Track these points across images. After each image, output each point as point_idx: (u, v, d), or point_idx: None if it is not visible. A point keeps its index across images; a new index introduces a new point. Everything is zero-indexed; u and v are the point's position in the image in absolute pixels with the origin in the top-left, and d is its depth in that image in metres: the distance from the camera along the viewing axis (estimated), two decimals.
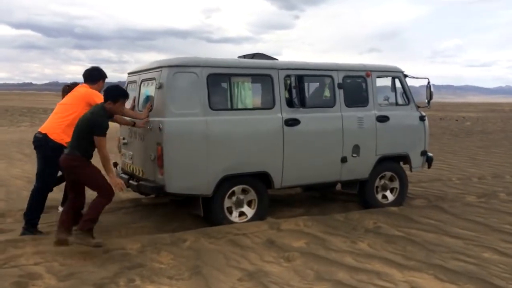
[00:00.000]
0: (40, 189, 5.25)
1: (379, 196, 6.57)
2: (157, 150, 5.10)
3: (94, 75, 5.58)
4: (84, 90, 5.44)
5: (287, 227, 5.57)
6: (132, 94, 6.05)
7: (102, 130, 4.64)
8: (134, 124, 5.38)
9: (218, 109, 5.34)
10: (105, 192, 4.72)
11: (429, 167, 7.02)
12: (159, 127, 5.07)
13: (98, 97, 5.31)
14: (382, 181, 6.59)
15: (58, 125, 5.21)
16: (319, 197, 7.38)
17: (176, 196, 5.61)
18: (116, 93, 4.88)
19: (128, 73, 6.38)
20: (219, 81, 5.60)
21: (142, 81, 5.79)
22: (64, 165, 4.74)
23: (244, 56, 6.45)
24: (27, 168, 9.84)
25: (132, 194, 6.81)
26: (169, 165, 5.06)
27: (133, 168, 5.84)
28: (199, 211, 5.41)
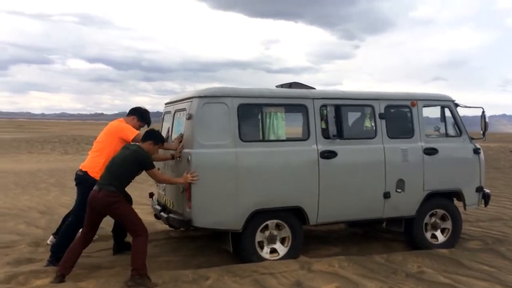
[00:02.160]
0: (73, 224, 5.45)
1: (428, 236, 6.22)
2: (185, 183, 5.22)
3: (134, 111, 5.91)
4: (116, 124, 5.70)
5: (320, 267, 5.36)
6: (167, 125, 6.29)
7: (151, 164, 5.01)
8: (173, 157, 5.48)
9: (249, 140, 5.33)
10: (141, 228, 4.85)
11: (486, 205, 6.59)
12: (187, 159, 5.13)
13: (131, 132, 5.55)
14: (433, 219, 6.26)
15: (97, 163, 5.44)
16: (361, 235, 7.09)
17: (204, 231, 5.66)
18: (159, 137, 5.22)
19: (165, 104, 6.61)
20: (251, 112, 5.57)
21: (175, 111, 5.94)
22: (100, 201, 4.81)
23: (282, 86, 6.50)
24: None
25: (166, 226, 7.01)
26: (196, 198, 5.06)
27: (165, 200, 5.94)
28: (229, 246, 5.36)
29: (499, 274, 5.26)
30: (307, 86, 6.16)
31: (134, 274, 4.68)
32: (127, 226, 4.98)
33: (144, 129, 5.62)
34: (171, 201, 5.67)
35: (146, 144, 5.12)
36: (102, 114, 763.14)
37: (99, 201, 4.84)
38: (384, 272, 5.31)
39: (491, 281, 5.05)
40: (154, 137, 5.18)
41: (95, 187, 4.91)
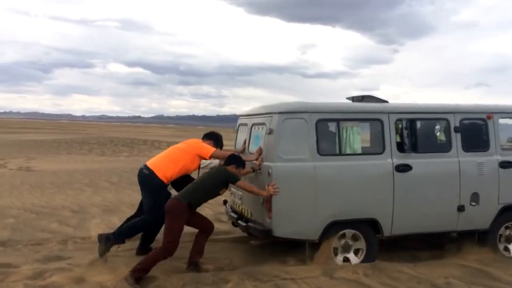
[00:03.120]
0: (147, 222, 5.98)
1: (501, 248, 6.34)
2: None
3: (210, 135, 6.44)
4: (197, 142, 6.19)
5: (343, 275, 5.43)
6: (242, 136, 6.72)
7: (237, 177, 5.53)
8: (253, 170, 5.85)
9: (326, 154, 5.64)
10: (169, 249, 5.25)
11: None
12: (268, 172, 5.51)
13: (208, 149, 6.02)
14: (507, 232, 6.38)
15: (169, 169, 5.91)
16: (388, 242, 6.84)
17: (283, 240, 6.05)
18: (241, 162, 5.68)
19: (240, 116, 7.04)
20: (328, 126, 5.86)
21: (253, 125, 6.35)
22: (170, 208, 5.32)
23: (353, 98, 6.76)
24: (109, 196, 11.01)
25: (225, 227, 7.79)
26: (277, 209, 5.44)
27: (241, 208, 6.35)
28: (305, 256, 5.76)
29: None
30: (380, 99, 6.41)
31: (133, 271, 5.07)
32: (166, 237, 5.31)
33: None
34: (248, 210, 6.08)
35: (229, 167, 5.60)
36: (139, 116, 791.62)
37: (170, 208, 5.33)
38: (409, 282, 5.34)
39: None
40: (236, 161, 5.65)
41: (174, 197, 5.43)
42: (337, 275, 5.41)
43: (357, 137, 5.83)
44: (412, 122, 5.97)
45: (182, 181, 6.03)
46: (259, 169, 5.73)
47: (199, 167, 6.29)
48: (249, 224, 5.92)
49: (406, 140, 5.91)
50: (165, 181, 5.91)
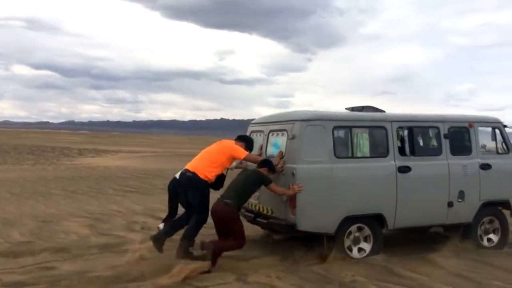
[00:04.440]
0: (203, 219, 6.68)
1: (481, 239, 7.55)
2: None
3: (242, 138, 7.16)
4: (232, 144, 6.91)
5: (256, 279, 5.81)
6: (257, 142, 7.62)
7: (270, 180, 6.43)
8: (274, 172, 6.64)
9: (341, 157, 6.62)
10: (241, 241, 6.31)
11: None
12: (292, 173, 6.40)
13: (242, 152, 6.78)
14: (485, 226, 7.59)
15: (209, 170, 6.64)
16: (302, 244, 7.40)
17: (304, 234, 6.98)
18: (273, 167, 6.56)
19: (252, 123, 7.92)
20: (342, 132, 6.87)
21: (270, 131, 7.24)
22: (220, 212, 6.23)
23: (353, 109, 7.85)
24: (9, 209, 10.77)
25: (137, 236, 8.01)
26: (300, 206, 6.33)
27: (259, 207, 7.15)
28: (323, 247, 6.64)
29: (426, 281, 5.88)
30: (378, 109, 7.55)
31: (210, 245, 6.14)
32: (232, 233, 6.30)
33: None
34: (269, 208, 6.95)
35: (262, 169, 6.48)
36: (47, 122, 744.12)
37: (220, 211, 6.23)
38: (319, 282, 5.79)
39: None
40: (269, 165, 6.52)
41: (224, 202, 6.27)
42: (250, 280, 5.80)
43: (366, 142, 6.91)
44: (410, 129, 7.13)
45: (217, 179, 6.83)
46: (282, 171, 6.71)
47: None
48: (271, 220, 6.84)
49: (406, 145, 7.09)
50: (208, 181, 6.67)
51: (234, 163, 7.19)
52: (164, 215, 9.36)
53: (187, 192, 6.79)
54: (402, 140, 7.11)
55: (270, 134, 7.25)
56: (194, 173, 6.68)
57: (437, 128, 7.32)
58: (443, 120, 7.38)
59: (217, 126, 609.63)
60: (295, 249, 7.19)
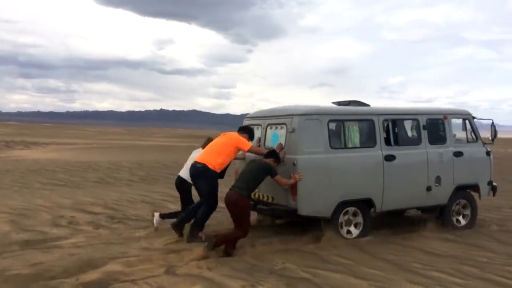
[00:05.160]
0: (213, 207, 7.39)
1: (454, 220, 8.60)
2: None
3: (245, 129, 7.81)
4: (236, 136, 7.54)
5: (186, 271, 5.91)
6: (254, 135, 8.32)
7: (276, 172, 7.07)
8: (279, 162, 7.31)
9: (336, 147, 7.42)
10: (245, 231, 6.93)
11: (494, 195, 9.10)
12: (293, 163, 7.13)
13: (246, 144, 7.45)
14: (457, 207, 8.62)
15: (216, 161, 7.29)
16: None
17: (304, 218, 7.61)
18: (279, 157, 7.22)
19: (248, 117, 8.59)
20: (336, 125, 7.65)
21: (268, 124, 7.94)
22: (233, 201, 6.86)
23: (339, 103, 8.64)
24: None
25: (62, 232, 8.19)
26: (301, 193, 7.10)
27: (259, 195, 7.85)
28: (320, 230, 7.46)
29: (354, 267, 6.25)
30: (364, 103, 8.41)
31: (227, 247, 6.75)
32: (238, 222, 6.94)
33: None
34: (269, 196, 7.67)
35: (269, 160, 7.14)
36: None
37: (233, 200, 6.88)
38: (250, 270, 6.00)
39: (345, 273, 5.96)
40: (275, 156, 7.17)
41: (235, 191, 6.89)
42: (180, 272, 5.88)
43: (356, 134, 7.76)
44: (394, 122, 8.04)
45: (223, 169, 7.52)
46: (283, 161, 7.48)
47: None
48: (273, 207, 7.58)
49: (391, 136, 8.02)
50: (217, 171, 7.34)
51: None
52: (95, 208, 10.03)
53: (197, 181, 7.46)
54: (387, 131, 8.02)
55: (269, 127, 7.98)
56: (203, 164, 7.32)
57: (417, 120, 8.28)
58: (422, 113, 8.36)
59: (156, 117, 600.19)
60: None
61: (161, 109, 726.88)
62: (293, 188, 7.24)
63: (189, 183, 7.96)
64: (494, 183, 9.10)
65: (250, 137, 7.80)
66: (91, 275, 5.72)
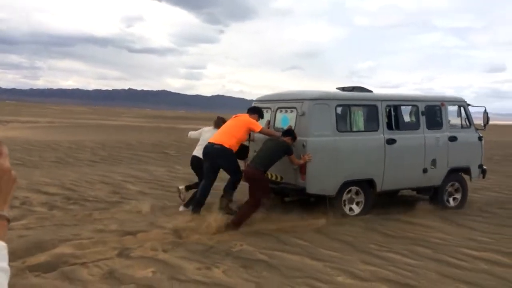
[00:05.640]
0: (238, 179, 7.97)
1: (446, 200, 9.29)
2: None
3: (254, 110, 8.29)
4: (248, 118, 8.03)
5: (140, 253, 5.84)
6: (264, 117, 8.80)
7: (292, 151, 7.61)
8: (295, 140, 7.80)
9: (342, 131, 7.99)
10: (259, 203, 7.52)
11: (483, 177, 9.83)
12: (303, 144, 7.69)
13: (257, 126, 7.94)
14: (449, 188, 9.33)
15: (231, 141, 7.80)
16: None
17: (311, 196, 8.23)
18: (295, 135, 7.73)
19: (257, 100, 9.05)
20: (343, 110, 8.21)
21: (278, 108, 8.47)
22: (251, 175, 7.46)
23: (343, 88, 9.22)
24: None
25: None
26: (310, 172, 7.67)
27: (267, 175, 8.48)
28: (326, 206, 8.07)
29: (311, 248, 6.38)
30: (367, 89, 9.01)
31: (232, 224, 7.25)
32: (255, 195, 7.52)
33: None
34: (278, 175, 8.19)
35: (286, 138, 7.67)
36: None
37: (251, 174, 7.47)
38: (206, 252, 6.00)
39: (302, 254, 6.05)
40: (292, 135, 7.70)
41: (254, 167, 7.46)
42: (133, 254, 5.81)
43: (361, 118, 8.36)
44: (396, 107, 8.66)
45: (241, 150, 8.06)
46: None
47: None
48: (282, 185, 8.15)
49: (392, 121, 8.66)
50: (233, 149, 7.86)
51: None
52: (51, 189, 10.14)
53: (217, 161, 7.97)
54: (389, 116, 8.64)
55: (278, 110, 8.51)
56: (221, 145, 7.83)
57: (417, 106, 8.90)
58: (421, 99, 8.99)
59: (124, 97, 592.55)
60: (192, 219, 7.64)
61: (129, 89, 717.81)
62: (302, 168, 7.80)
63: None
64: (484, 167, 9.82)
65: (260, 116, 8.29)
66: (39, 258, 5.58)
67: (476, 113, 9.79)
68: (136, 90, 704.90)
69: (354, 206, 8.39)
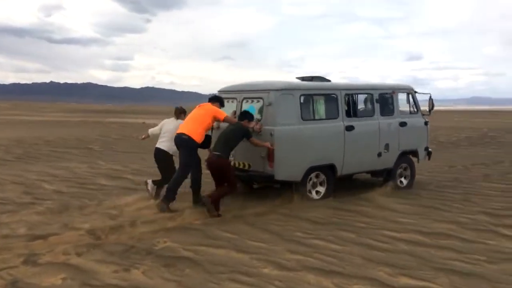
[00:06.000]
0: (184, 176, 8.06)
1: (397, 181, 10.07)
2: (268, 149, 8.20)
3: (216, 98, 8.53)
4: (212, 106, 8.25)
5: (49, 259, 5.43)
6: (229, 108, 9.15)
7: (250, 133, 7.90)
8: (252, 120, 8.17)
9: (306, 119, 8.45)
10: (234, 187, 7.91)
11: (429, 159, 10.73)
12: (271, 133, 8.05)
13: (221, 114, 8.18)
14: (399, 170, 10.11)
15: (198, 132, 7.98)
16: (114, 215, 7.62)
17: (278, 183, 8.60)
18: (251, 116, 8.07)
19: (221, 91, 9.31)
20: (306, 99, 8.64)
21: (244, 98, 8.76)
22: (214, 164, 7.72)
23: (303, 78, 9.71)
24: None
25: None
26: (277, 160, 8.06)
27: (235, 163, 8.68)
28: (294, 192, 8.47)
29: (237, 240, 6.31)
30: (326, 78, 9.51)
31: (208, 200, 7.61)
32: (226, 180, 7.86)
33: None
34: (246, 163, 8.53)
35: (243, 122, 8.01)
36: None
37: (214, 163, 7.75)
38: (126, 253, 5.69)
39: (228, 248, 5.97)
40: (247, 117, 8.08)
41: (218, 155, 7.71)
42: (42, 261, 5.41)
43: (322, 107, 8.91)
44: (353, 96, 9.29)
45: (204, 140, 8.24)
46: (259, 132, 8.42)
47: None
48: (250, 173, 8.52)
49: (350, 108, 9.29)
50: (199, 142, 8.06)
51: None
52: None
53: (179, 150, 8.19)
54: (348, 104, 9.25)
55: (244, 100, 8.87)
56: (189, 136, 8.02)
57: (372, 94, 9.56)
58: (375, 88, 9.64)
59: (46, 90, 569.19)
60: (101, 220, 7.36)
61: (51, 82, 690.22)
62: (270, 156, 8.21)
63: (171, 154, 8.68)
64: (430, 149, 10.68)
65: (221, 105, 8.54)
66: None
67: (422, 100, 10.59)
68: (58, 83, 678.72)
69: (318, 189, 8.92)
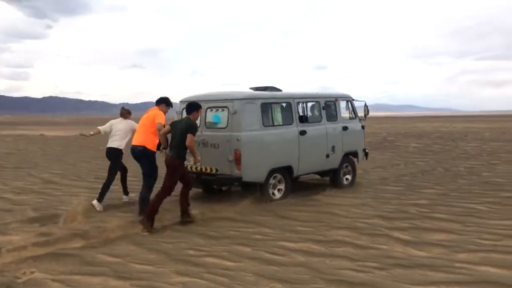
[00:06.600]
0: (152, 183, 8.56)
1: (343, 180, 11.31)
2: (235, 154, 8.89)
3: (160, 100, 8.86)
4: (155, 111, 8.63)
5: None
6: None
7: (195, 129, 7.97)
8: (171, 106, 8.72)
9: (267, 125, 9.35)
10: (189, 184, 8.31)
11: (366, 159, 12.13)
12: (237, 139, 8.88)
13: (160, 118, 8.47)
14: (344, 170, 11.35)
15: (150, 139, 8.50)
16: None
17: (246, 184, 9.31)
18: (196, 106, 8.21)
19: (183, 101, 9.91)
20: (266, 107, 9.52)
21: (208, 107, 9.45)
22: (169, 164, 7.91)
23: (257, 88, 10.65)
24: None
25: None
26: (244, 163, 8.88)
27: (201, 168, 9.46)
28: (258, 193, 9.35)
29: (119, 265, 5.80)
30: (278, 88, 10.47)
31: (149, 216, 7.57)
32: (167, 181, 7.87)
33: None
34: (213, 168, 9.28)
35: (191, 114, 8.16)
36: None
37: (168, 163, 7.98)
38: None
39: (107, 275, 5.45)
40: (194, 108, 8.13)
41: (172, 156, 7.88)
42: None
43: (279, 114, 9.90)
44: (305, 103, 10.40)
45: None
46: (227, 139, 9.21)
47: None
48: (219, 177, 9.27)
49: (303, 115, 10.39)
50: (154, 149, 8.55)
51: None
52: None
53: (140, 161, 8.70)
54: (300, 111, 10.38)
55: (209, 109, 9.65)
56: (143, 146, 8.56)
57: (319, 102, 10.72)
58: (321, 96, 10.82)
59: None
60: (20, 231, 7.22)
61: None
62: (237, 160, 9.05)
63: (119, 149, 9.26)
64: (367, 150, 12.05)
65: (168, 105, 8.96)
66: None
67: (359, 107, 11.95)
68: None
69: (278, 189, 9.88)
